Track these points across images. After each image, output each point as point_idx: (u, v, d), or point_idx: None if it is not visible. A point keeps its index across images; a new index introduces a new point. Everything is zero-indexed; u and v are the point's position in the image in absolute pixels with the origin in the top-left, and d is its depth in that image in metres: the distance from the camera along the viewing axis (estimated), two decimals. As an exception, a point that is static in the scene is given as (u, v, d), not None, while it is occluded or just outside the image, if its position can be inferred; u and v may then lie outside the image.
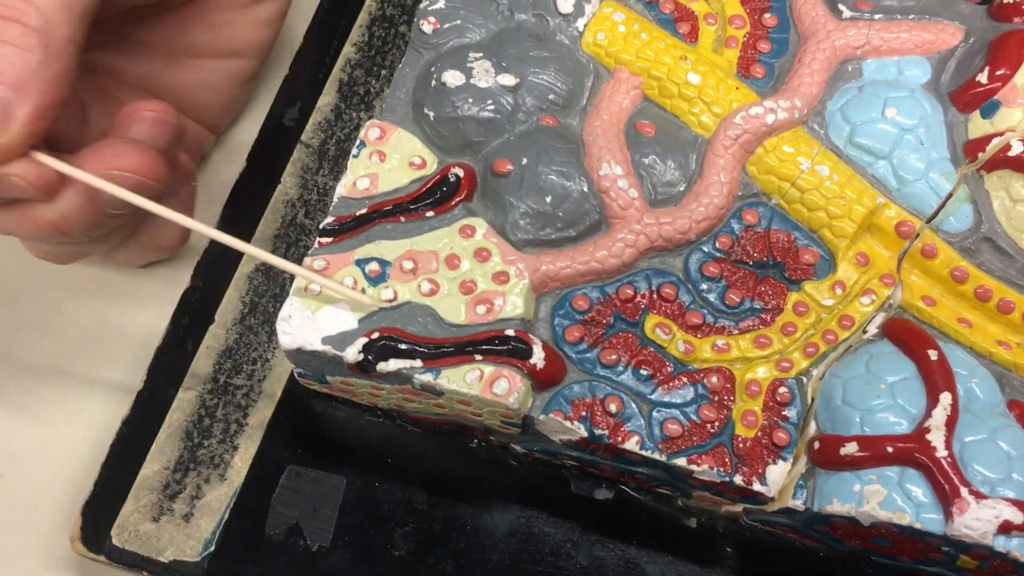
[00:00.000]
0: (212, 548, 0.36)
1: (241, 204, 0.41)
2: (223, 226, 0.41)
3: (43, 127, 0.32)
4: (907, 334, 0.33)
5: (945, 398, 0.31)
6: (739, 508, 0.35)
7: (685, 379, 0.33)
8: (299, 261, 0.39)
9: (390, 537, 0.36)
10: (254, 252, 0.34)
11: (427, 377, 0.32)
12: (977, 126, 0.35)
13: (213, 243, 0.41)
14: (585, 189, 0.35)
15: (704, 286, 0.35)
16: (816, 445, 0.32)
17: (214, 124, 0.43)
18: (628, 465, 0.34)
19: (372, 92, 0.43)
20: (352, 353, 0.33)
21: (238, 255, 0.40)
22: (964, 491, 0.30)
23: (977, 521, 0.29)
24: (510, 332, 0.33)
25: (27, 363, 0.41)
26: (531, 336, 0.33)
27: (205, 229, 0.33)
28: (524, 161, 0.35)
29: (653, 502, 0.36)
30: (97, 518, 0.36)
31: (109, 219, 0.35)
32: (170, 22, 0.39)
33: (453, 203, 0.35)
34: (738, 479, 0.32)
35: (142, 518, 0.36)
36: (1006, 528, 0.29)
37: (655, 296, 0.34)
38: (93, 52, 0.38)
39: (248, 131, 0.44)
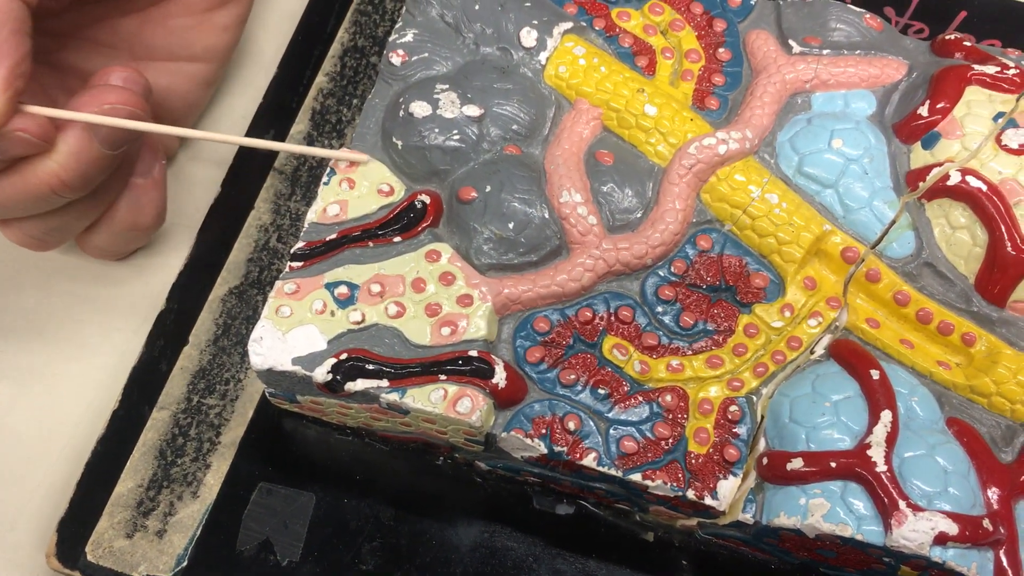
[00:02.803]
0: (185, 564, 0.37)
1: (216, 228, 0.43)
2: (198, 250, 0.42)
3: (20, 84, 0.34)
4: (851, 355, 0.35)
5: (885, 416, 0.33)
6: (694, 522, 0.36)
7: (641, 398, 0.35)
8: (271, 285, 0.41)
9: (358, 552, 0.37)
10: (287, 148, 0.38)
11: (393, 396, 0.34)
12: (919, 156, 0.37)
13: (187, 266, 0.42)
14: (546, 216, 0.36)
15: (659, 309, 0.36)
16: (765, 461, 0.34)
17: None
18: (587, 481, 0.35)
19: (344, 121, 0.45)
20: (321, 373, 0.34)
21: (212, 279, 0.41)
22: (902, 504, 0.31)
23: (914, 532, 0.31)
24: (473, 353, 0.34)
25: (4, 384, 0.41)
26: (494, 357, 0.34)
27: (226, 138, 0.37)
28: (488, 189, 0.36)
29: (612, 517, 0.38)
30: (72, 535, 0.37)
31: (106, 162, 0.36)
32: (131, 25, 0.41)
33: (420, 229, 0.37)
34: (691, 494, 0.33)
35: (116, 534, 0.37)
36: (942, 539, 0.31)
37: (613, 318, 0.36)
38: (59, 53, 0.40)
39: (223, 158, 0.45)
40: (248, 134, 0.45)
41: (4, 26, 0.33)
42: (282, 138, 0.44)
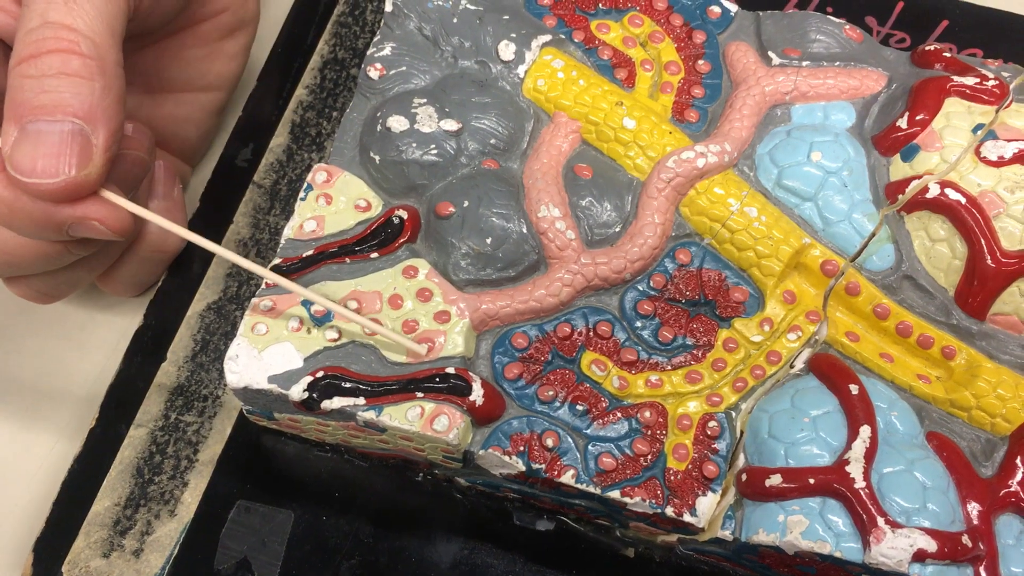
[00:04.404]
0: (162, 583, 0.37)
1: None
2: (176, 265, 0.42)
3: (114, 155, 0.33)
4: (830, 369, 0.35)
5: (864, 431, 0.33)
6: (674, 538, 0.36)
7: (619, 414, 0.34)
8: (249, 300, 0.41)
9: (337, 570, 0.37)
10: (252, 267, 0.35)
11: (370, 414, 0.33)
12: (898, 169, 0.37)
13: (165, 282, 0.42)
14: (524, 231, 0.36)
15: (638, 324, 0.36)
16: (744, 477, 0.33)
17: (191, 156, 0.44)
18: (566, 497, 0.35)
19: (323, 133, 0.44)
20: (297, 391, 0.34)
21: (190, 294, 0.41)
22: (881, 521, 0.31)
23: (893, 550, 0.31)
24: (451, 370, 0.34)
25: (-19, 401, 0.41)
26: (471, 374, 0.34)
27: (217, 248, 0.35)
28: (466, 204, 0.36)
29: (592, 533, 0.37)
30: (49, 554, 0.37)
31: None
32: (147, 58, 0.41)
33: (397, 244, 0.36)
34: (669, 511, 0.33)
35: (93, 554, 0.37)
36: (920, 556, 0.31)
37: (591, 333, 0.36)
38: None
39: (202, 171, 0.45)
40: (228, 147, 0.44)
41: (111, 91, 0.32)
42: (262, 151, 0.44)
